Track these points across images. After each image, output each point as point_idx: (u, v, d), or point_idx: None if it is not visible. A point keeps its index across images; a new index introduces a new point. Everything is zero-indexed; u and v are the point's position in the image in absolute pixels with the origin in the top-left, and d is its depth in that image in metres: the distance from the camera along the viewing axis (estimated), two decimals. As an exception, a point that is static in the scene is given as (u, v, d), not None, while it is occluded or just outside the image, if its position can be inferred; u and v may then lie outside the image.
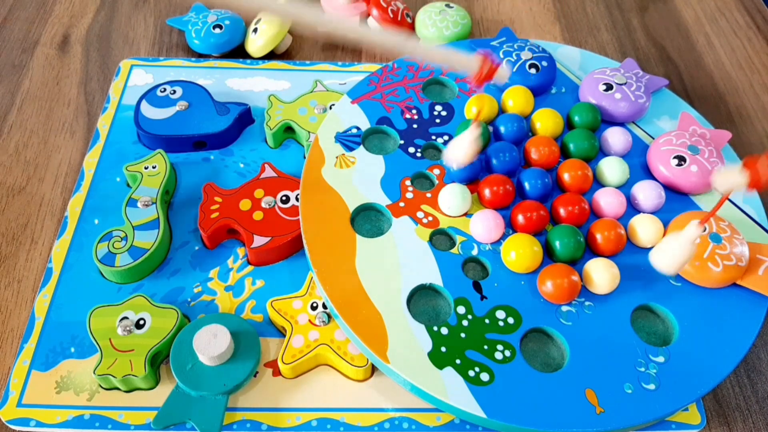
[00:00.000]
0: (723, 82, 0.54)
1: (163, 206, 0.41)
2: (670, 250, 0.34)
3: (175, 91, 0.47)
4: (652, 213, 0.39)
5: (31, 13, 0.56)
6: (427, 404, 0.35)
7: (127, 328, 0.36)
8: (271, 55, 0.53)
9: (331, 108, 0.46)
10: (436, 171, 0.40)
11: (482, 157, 0.41)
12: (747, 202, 0.40)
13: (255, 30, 0.52)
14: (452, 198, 0.38)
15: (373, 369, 0.36)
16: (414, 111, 0.43)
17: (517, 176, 0.40)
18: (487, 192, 0.38)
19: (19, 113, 0.49)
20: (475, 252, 0.37)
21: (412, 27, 0.55)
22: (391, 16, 0.54)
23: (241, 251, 0.41)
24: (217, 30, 0.51)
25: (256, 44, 0.51)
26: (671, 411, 0.32)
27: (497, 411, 0.32)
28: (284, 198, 0.41)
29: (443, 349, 0.33)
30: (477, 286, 0.36)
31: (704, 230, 0.34)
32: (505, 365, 0.33)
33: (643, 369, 0.33)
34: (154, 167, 0.42)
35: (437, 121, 0.43)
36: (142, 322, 0.36)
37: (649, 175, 0.41)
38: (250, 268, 0.40)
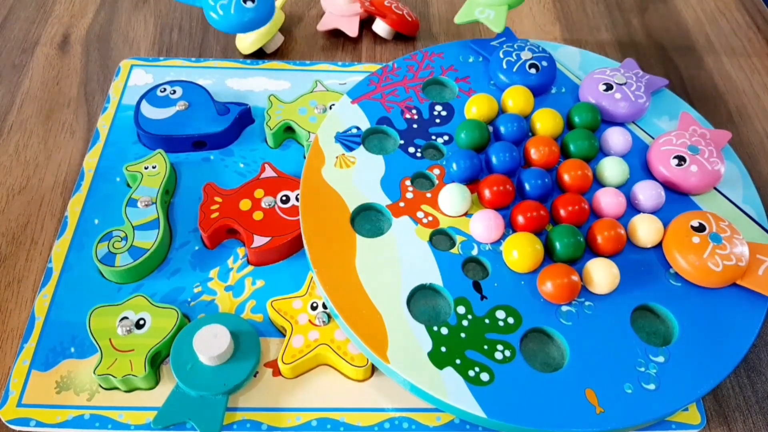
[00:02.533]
0: (723, 82, 0.54)
1: (163, 206, 0.41)
2: None
3: (175, 91, 0.47)
4: (652, 213, 0.39)
5: (31, 13, 0.56)
6: (427, 404, 0.35)
7: (127, 328, 0.36)
8: (262, 54, 0.53)
9: (331, 108, 0.46)
10: (436, 171, 0.40)
11: (482, 156, 0.41)
12: (747, 202, 0.40)
13: None
14: (452, 198, 0.38)
15: (373, 369, 0.36)
16: (414, 111, 0.43)
17: (517, 176, 0.40)
18: (487, 192, 0.38)
19: (19, 113, 0.49)
20: (475, 252, 0.37)
21: (418, 24, 0.55)
22: (410, 19, 0.54)
23: (241, 251, 0.41)
24: (249, 4, 0.45)
25: (246, 41, 0.51)
26: (671, 411, 0.32)
27: (497, 411, 0.32)
28: (284, 198, 0.41)
29: (443, 349, 0.33)
30: (477, 286, 0.36)
31: None
32: (505, 365, 0.33)
33: (643, 369, 0.33)
34: (154, 167, 0.42)
35: (437, 121, 0.43)
36: (142, 322, 0.36)
37: (649, 175, 0.41)
38: (250, 268, 0.40)
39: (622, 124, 0.43)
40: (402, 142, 0.42)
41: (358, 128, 0.42)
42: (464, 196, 0.38)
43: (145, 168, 0.42)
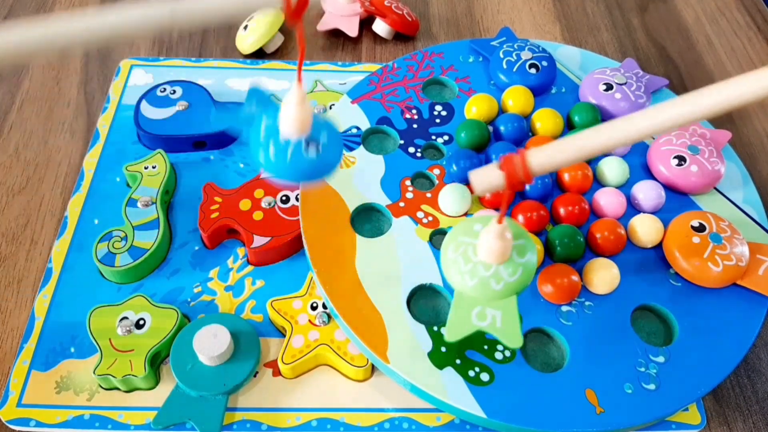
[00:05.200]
0: (723, 82, 0.54)
1: (163, 206, 0.41)
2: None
3: (175, 91, 0.47)
4: (652, 213, 0.39)
5: (31, 13, 0.56)
6: (427, 404, 0.35)
7: (127, 328, 0.36)
8: (262, 54, 0.53)
9: (331, 108, 0.46)
10: (436, 171, 0.40)
11: (482, 157, 0.41)
12: (747, 201, 0.40)
13: (245, 27, 0.52)
14: (452, 198, 0.38)
15: (373, 369, 0.36)
16: (414, 111, 0.43)
17: (517, 176, 0.40)
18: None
19: (19, 113, 0.49)
20: (475, 252, 0.37)
21: (418, 24, 0.55)
22: (410, 19, 0.54)
23: (241, 251, 0.41)
24: (312, 152, 0.31)
25: (246, 41, 0.51)
26: (671, 411, 0.32)
27: (497, 411, 0.32)
28: (284, 198, 0.41)
29: (443, 349, 0.33)
30: (477, 286, 0.36)
31: (506, 225, 0.28)
32: (505, 365, 0.33)
33: (643, 369, 0.33)
34: (154, 167, 0.42)
35: (437, 121, 0.43)
36: (142, 322, 0.36)
37: (649, 175, 0.41)
38: (250, 268, 0.40)
39: (622, 124, 0.43)
40: (402, 142, 0.42)
41: (358, 128, 0.42)
42: (464, 196, 0.38)
43: (145, 168, 0.42)
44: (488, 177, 0.27)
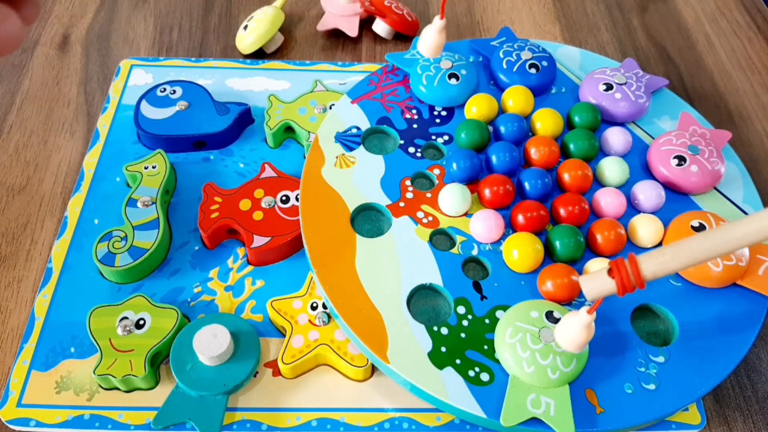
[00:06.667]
0: (723, 82, 0.54)
1: (163, 206, 0.41)
2: (569, 330, 0.30)
3: (175, 91, 0.47)
4: (652, 213, 0.39)
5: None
6: (427, 404, 0.35)
7: (127, 328, 0.36)
8: (262, 54, 0.53)
9: (331, 108, 0.46)
10: (436, 171, 0.40)
11: (482, 156, 0.41)
12: (747, 202, 0.40)
13: (245, 27, 0.52)
14: (452, 198, 0.38)
15: (373, 369, 0.36)
16: (414, 111, 0.43)
17: (517, 176, 0.40)
18: (487, 192, 0.38)
19: (19, 113, 0.49)
20: (475, 252, 0.37)
21: (418, 24, 0.55)
22: (410, 19, 0.54)
23: (241, 251, 0.41)
24: (453, 81, 0.43)
25: (245, 41, 0.51)
26: (671, 411, 0.32)
27: (497, 411, 0.32)
28: (284, 198, 0.41)
29: (443, 349, 0.33)
30: (477, 286, 0.36)
31: (595, 317, 0.29)
32: (505, 365, 0.33)
33: (643, 369, 0.33)
34: (154, 167, 0.42)
35: (437, 121, 0.43)
36: (142, 322, 0.36)
37: (649, 175, 0.41)
38: (250, 268, 0.40)
39: (622, 124, 0.43)
40: (402, 142, 0.42)
41: (358, 128, 0.42)
42: (464, 196, 0.38)
43: (145, 168, 0.42)
44: (601, 286, 0.27)
